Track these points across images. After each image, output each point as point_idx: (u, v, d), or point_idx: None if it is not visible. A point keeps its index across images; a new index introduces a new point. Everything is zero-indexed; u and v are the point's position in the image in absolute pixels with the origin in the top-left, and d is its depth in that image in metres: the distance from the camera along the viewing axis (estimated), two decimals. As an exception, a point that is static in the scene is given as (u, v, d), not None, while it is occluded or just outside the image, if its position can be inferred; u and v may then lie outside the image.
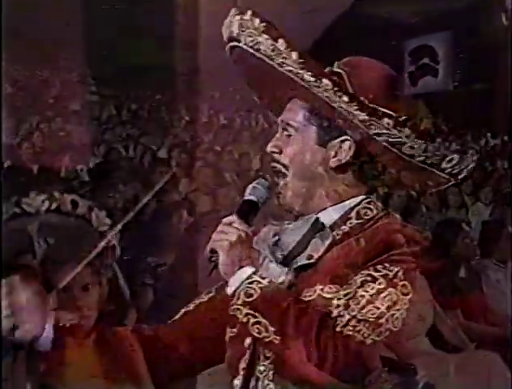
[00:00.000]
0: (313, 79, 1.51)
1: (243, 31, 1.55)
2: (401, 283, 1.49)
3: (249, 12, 1.54)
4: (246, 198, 1.62)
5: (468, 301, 4.55)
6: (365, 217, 1.60)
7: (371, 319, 1.45)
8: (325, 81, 1.51)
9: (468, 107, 12.95)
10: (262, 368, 1.56)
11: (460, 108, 13.10)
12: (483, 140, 12.28)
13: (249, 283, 1.48)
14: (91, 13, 11.95)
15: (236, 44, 1.61)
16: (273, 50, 1.52)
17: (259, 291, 1.46)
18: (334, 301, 1.46)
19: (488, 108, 12.69)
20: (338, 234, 1.59)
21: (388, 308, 1.46)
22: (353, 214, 1.61)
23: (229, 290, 1.51)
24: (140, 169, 7.51)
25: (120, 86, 12.30)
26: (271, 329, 1.44)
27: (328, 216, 1.62)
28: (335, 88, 1.52)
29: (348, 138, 1.60)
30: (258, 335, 1.46)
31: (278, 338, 1.44)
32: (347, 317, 1.44)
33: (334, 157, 1.61)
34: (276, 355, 1.51)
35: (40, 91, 10.84)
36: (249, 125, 11.32)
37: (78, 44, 10.91)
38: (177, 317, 1.80)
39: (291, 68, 1.53)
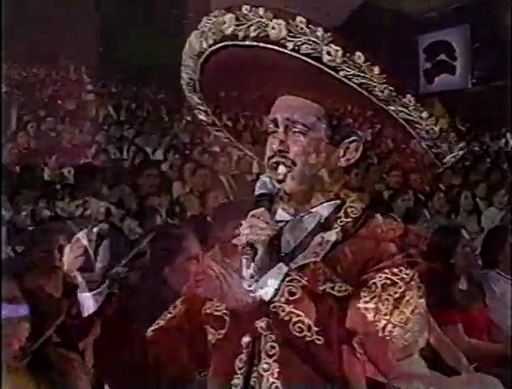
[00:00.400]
0: (394, 93, 1.51)
1: (294, 36, 1.48)
2: (417, 285, 1.52)
3: (302, 18, 1.48)
4: (260, 192, 1.59)
5: (470, 315, 4.16)
6: (353, 216, 1.62)
7: (400, 324, 1.48)
8: (408, 96, 1.53)
9: (487, 105, 12.54)
10: (265, 366, 1.54)
11: (478, 106, 12.71)
12: (502, 140, 11.86)
13: (290, 281, 1.48)
14: (94, 12, 11.97)
15: (268, 46, 1.51)
16: (344, 62, 1.48)
17: (300, 290, 1.47)
18: (361, 304, 1.48)
19: (508, 106, 12.29)
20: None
21: (411, 312, 1.50)
22: (342, 213, 1.63)
23: (267, 288, 1.48)
24: (130, 172, 7.23)
25: (118, 85, 12.24)
26: (315, 329, 1.44)
27: (323, 213, 1.63)
28: (417, 104, 1.53)
29: (356, 138, 1.63)
30: (298, 334, 1.45)
31: (321, 338, 1.43)
32: (383, 322, 1.47)
33: (343, 157, 1.64)
34: (310, 354, 1.48)
35: (35, 89, 10.71)
36: (252, 126, 11.00)
37: (79, 43, 10.93)
38: (148, 334, 1.73)
39: (364, 81, 1.49)
